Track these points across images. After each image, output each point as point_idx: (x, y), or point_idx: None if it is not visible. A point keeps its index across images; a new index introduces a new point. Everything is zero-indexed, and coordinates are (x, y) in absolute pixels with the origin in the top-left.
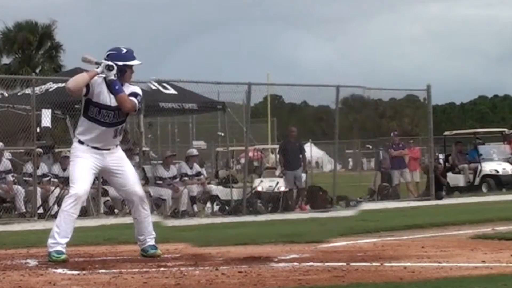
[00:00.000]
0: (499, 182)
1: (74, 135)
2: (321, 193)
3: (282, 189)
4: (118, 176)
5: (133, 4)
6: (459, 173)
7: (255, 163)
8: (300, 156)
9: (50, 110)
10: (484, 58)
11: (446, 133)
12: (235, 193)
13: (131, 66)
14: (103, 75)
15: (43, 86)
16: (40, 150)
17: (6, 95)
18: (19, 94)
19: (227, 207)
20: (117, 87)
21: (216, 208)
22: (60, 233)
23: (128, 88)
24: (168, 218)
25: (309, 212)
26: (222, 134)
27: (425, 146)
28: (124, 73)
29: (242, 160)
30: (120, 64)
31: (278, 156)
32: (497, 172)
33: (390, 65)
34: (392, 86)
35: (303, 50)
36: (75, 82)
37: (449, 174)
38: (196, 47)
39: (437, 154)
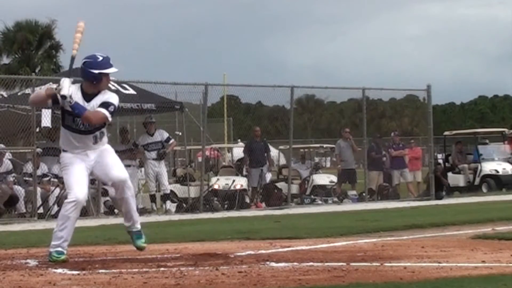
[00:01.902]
0: (499, 182)
1: None
2: (276, 191)
3: (238, 187)
4: (100, 167)
5: (133, 4)
6: (459, 173)
7: (211, 162)
8: (265, 154)
9: (50, 110)
10: (484, 58)
11: (446, 133)
12: (192, 191)
13: (107, 74)
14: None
15: (42, 86)
16: (40, 150)
17: (6, 96)
18: (19, 94)
19: (184, 205)
20: (76, 111)
21: (173, 205)
22: (61, 236)
23: (104, 96)
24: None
25: (264, 210)
26: (180, 134)
27: (425, 146)
28: (100, 81)
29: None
30: (95, 72)
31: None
32: (497, 172)
33: (390, 65)
34: (392, 86)
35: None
36: (32, 99)
37: (449, 174)
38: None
39: (435, 154)
